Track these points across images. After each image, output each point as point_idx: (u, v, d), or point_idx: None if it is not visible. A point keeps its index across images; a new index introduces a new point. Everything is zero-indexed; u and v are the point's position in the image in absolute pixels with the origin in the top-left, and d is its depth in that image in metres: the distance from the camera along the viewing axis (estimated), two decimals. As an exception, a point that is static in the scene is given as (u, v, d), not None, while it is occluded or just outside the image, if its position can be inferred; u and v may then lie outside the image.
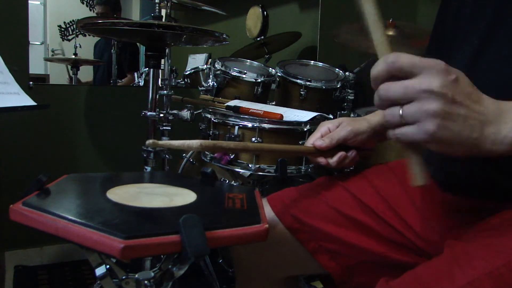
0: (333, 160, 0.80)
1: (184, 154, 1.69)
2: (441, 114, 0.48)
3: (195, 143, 0.63)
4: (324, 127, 0.82)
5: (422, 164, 0.54)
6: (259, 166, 1.18)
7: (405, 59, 0.50)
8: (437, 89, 0.48)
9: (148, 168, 1.30)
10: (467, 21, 0.71)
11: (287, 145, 0.86)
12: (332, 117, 1.33)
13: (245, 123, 1.18)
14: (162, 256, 0.64)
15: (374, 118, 0.83)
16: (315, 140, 0.80)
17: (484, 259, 0.52)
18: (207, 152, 1.27)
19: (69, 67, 2.20)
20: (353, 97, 1.53)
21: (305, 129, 1.19)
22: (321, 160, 0.80)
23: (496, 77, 0.64)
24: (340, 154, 0.80)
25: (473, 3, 0.70)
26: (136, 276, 0.65)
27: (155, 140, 0.65)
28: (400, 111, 0.50)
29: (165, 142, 0.64)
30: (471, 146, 0.50)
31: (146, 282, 0.65)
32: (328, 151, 0.79)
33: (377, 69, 0.52)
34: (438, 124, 0.48)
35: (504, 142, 0.50)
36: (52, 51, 2.21)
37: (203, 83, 1.59)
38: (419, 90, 0.48)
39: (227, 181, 1.40)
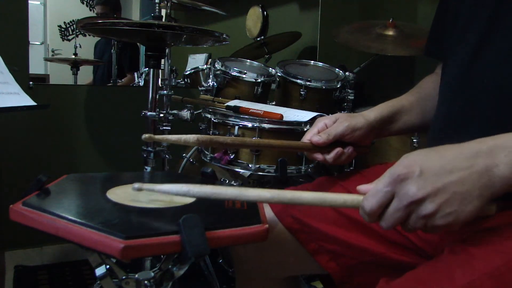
0: (330, 156, 0.79)
1: (184, 154, 1.69)
2: (438, 208, 0.50)
3: (191, 137, 0.62)
4: (321, 122, 0.82)
5: None
6: (259, 166, 1.18)
7: (370, 201, 0.53)
8: (416, 196, 0.50)
9: (148, 168, 1.30)
10: (466, 20, 0.71)
11: (284, 140, 0.85)
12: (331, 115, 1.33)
13: (245, 123, 1.18)
14: (162, 256, 0.64)
15: (371, 113, 0.83)
16: (311, 135, 0.80)
17: (484, 259, 0.52)
18: (207, 152, 1.27)
19: (69, 67, 2.20)
20: (353, 97, 1.53)
21: (305, 129, 1.19)
22: (318, 156, 0.80)
23: (495, 74, 0.64)
24: (337, 150, 0.79)
25: (471, 1, 0.70)
26: (136, 276, 0.65)
27: (151, 134, 0.64)
28: (410, 227, 0.53)
29: (162, 136, 0.64)
30: (482, 199, 0.50)
31: (146, 282, 0.65)
32: (325, 147, 0.79)
33: (366, 219, 0.55)
34: (442, 216, 0.50)
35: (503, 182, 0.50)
36: (52, 51, 2.22)
37: (203, 83, 1.59)
38: (406, 207, 0.51)
39: (227, 181, 1.40)
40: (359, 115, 0.82)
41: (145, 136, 0.65)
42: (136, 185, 0.60)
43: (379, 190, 0.53)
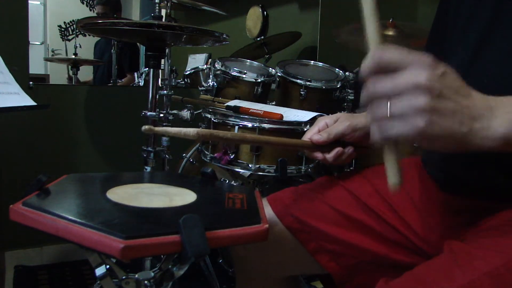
0: (330, 155, 0.79)
1: (184, 154, 1.69)
2: (429, 109, 0.47)
3: (192, 131, 0.62)
4: (321, 122, 0.82)
5: (398, 163, 0.52)
6: (259, 166, 1.18)
7: (391, 53, 0.49)
8: (425, 83, 0.47)
9: (148, 168, 1.30)
10: (466, 19, 0.71)
11: (284, 138, 0.85)
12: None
13: (245, 123, 1.18)
14: (162, 256, 0.64)
15: None
16: (312, 134, 0.80)
17: (483, 259, 0.52)
18: (207, 152, 1.27)
19: (70, 67, 2.20)
20: (353, 97, 1.53)
21: (305, 129, 1.19)
22: (318, 155, 0.80)
23: (495, 75, 0.64)
24: (337, 149, 0.79)
25: (471, 1, 0.70)
26: (136, 276, 0.65)
27: (151, 126, 0.64)
28: (388, 106, 0.49)
29: (162, 128, 0.63)
30: (460, 141, 0.49)
31: (146, 282, 0.65)
32: (325, 146, 0.79)
33: (365, 64, 0.51)
34: (427, 119, 0.47)
35: (494, 137, 0.49)
36: (52, 51, 2.22)
37: (203, 83, 1.59)
38: (406, 84, 0.47)
39: (227, 181, 1.40)
40: (360, 116, 0.82)
41: (145, 127, 0.64)
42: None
43: (401, 51, 0.49)
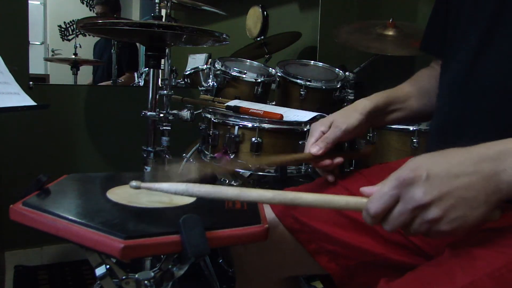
0: (332, 162, 0.80)
1: (184, 154, 1.69)
2: (443, 214, 0.49)
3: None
4: (317, 131, 0.81)
5: None
6: (259, 166, 1.18)
7: (375, 204, 0.53)
8: (422, 200, 0.50)
9: (148, 168, 1.30)
10: (467, 19, 0.70)
11: (285, 155, 0.85)
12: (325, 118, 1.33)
13: (245, 123, 1.18)
14: (162, 256, 0.64)
15: (365, 104, 0.81)
16: (310, 146, 0.79)
17: (485, 260, 0.52)
18: (207, 152, 1.27)
19: (69, 67, 2.20)
20: (353, 97, 1.53)
21: (305, 129, 1.19)
22: (326, 162, 0.80)
23: (496, 74, 0.63)
24: (337, 160, 0.80)
25: (472, 1, 0.70)
26: (136, 276, 0.65)
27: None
28: (413, 231, 0.52)
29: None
30: (490, 204, 0.50)
31: (146, 282, 0.65)
32: (327, 154, 0.79)
33: (369, 222, 0.55)
34: (447, 221, 0.50)
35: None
36: (52, 51, 2.22)
37: (203, 83, 1.59)
38: (411, 211, 0.51)
39: (227, 181, 1.40)
40: (353, 111, 0.81)
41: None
42: (134, 183, 0.57)
43: (384, 193, 0.52)
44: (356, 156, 1.16)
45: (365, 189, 0.56)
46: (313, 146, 0.79)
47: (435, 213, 0.49)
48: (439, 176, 0.50)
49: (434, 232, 0.51)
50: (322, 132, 0.81)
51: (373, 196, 0.54)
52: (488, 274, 0.50)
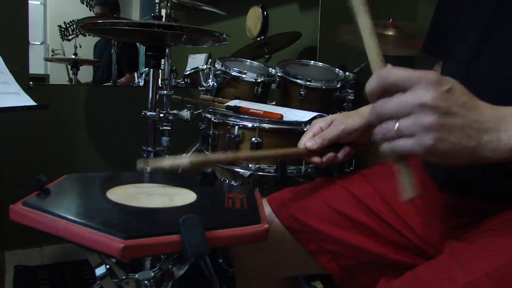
0: (324, 160, 0.80)
1: (184, 154, 1.69)
2: (436, 126, 0.48)
3: (184, 161, 0.63)
4: (316, 126, 0.82)
5: (412, 176, 0.53)
6: (259, 166, 1.18)
7: (396, 73, 0.50)
8: (430, 102, 0.48)
9: (148, 168, 1.30)
10: (467, 19, 0.71)
11: (279, 149, 0.85)
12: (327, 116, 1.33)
13: (245, 123, 1.18)
14: (162, 256, 0.64)
15: (368, 110, 0.82)
16: (306, 140, 0.80)
17: (484, 260, 0.52)
18: (207, 152, 1.27)
19: (69, 67, 2.20)
20: (353, 97, 1.53)
21: (305, 129, 1.19)
22: (316, 159, 0.80)
23: (495, 75, 0.64)
24: (329, 155, 0.80)
25: (471, 1, 0.70)
26: (136, 276, 0.65)
27: (146, 160, 0.66)
28: (396, 125, 0.50)
29: (156, 162, 0.65)
30: (469, 155, 0.50)
31: (146, 282, 0.65)
32: (321, 150, 0.79)
33: (370, 85, 0.52)
34: (435, 137, 0.48)
35: (504, 149, 0.50)
36: (52, 51, 2.22)
37: (203, 83, 1.59)
38: (413, 104, 0.49)
39: (227, 181, 1.40)
40: (355, 114, 0.82)
41: (140, 165, 0.66)
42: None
43: (405, 71, 0.50)
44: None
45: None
46: (309, 140, 0.79)
47: (430, 119, 0.48)
48: (458, 98, 0.49)
49: (418, 141, 0.49)
50: (321, 129, 0.81)
51: (395, 68, 0.51)
52: (488, 274, 0.50)
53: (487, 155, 0.50)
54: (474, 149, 0.49)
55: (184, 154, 1.68)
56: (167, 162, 0.63)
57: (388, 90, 0.51)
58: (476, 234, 0.60)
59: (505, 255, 0.52)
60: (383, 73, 0.51)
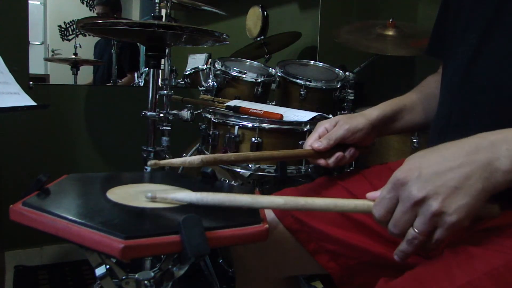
0: (331, 160, 0.80)
1: (184, 154, 1.69)
2: (442, 205, 0.50)
3: (196, 159, 0.64)
4: (321, 127, 0.82)
5: None
6: (259, 166, 1.18)
7: (377, 208, 0.55)
8: (418, 196, 0.50)
9: (148, 168, 1.30)
10: (467, 19, 0.71)
11: (286, 150, 0.86)
12: (332, 117, 1.33)
13: (245, 123, 1.18)
14: (162, 256, 0.64)
15: (373, 112, 0.83)
16: (313, 141, 0.80)
17: (484, 259, 0.52)
18: (207, 152, 1.27)
19: (69, 67, 2.20)
20: (353, 97, 1.53)
21: (305, 129, 1.19)
22: (321, 161, 0.80)
23: (495, 75, 0.64)
24: (337, 155, 0.80)
25: (471, 1, 0.70)
26: (136, 276, 0.65)
27: (157, 161, 0.66)
28: (416, 231, 0.52)
29: (167, 161, 0.65)
30: (489, 190, 0.50)
31: (146, 282, 0.65)
32: (327, 152, 0.79)
33: (378, 220, 0.56)
34: (453, 213, 0.50)
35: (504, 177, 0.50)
36: (52, 51, 2.22)
37: (203, 83, 1.59)
38: (410, 209, 0.52)
39: (227, 181, 1.40)
40: (360, 115, 0.82)
41: (150, 162, 0.67)
42: (150, 194, 0.63)
43: (383, 197, 0.54)
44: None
45: (370, 194, 0.58)
46: (315, 142, 0.79)
47: (434, 205, 0.50)
48: (431, 171, 0.51)
49: (445, 226, 0.51)
50: (326, 130, 0.81)
51: (376, 201, 0.55)
52: (487, 273, 0.50)
53: (503, 170, 0.50)
54: (484, 185, 0.50)
55: (184, 154, 1.68)
56: (178, 161, 0.64)
57: (387, 217, 0.55)
58: (475, 234, 0.59)
59: (504, 255, 0.52)
60: (375, 214, 0.56)
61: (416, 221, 0.52)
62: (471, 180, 0.50)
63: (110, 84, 2.30)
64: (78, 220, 0.54)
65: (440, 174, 0.51)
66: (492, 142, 0.51)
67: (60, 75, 2.24)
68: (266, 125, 1.16)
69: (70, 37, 2.22)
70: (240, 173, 1.30)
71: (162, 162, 0.66)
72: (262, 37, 2.12)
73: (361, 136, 0.81)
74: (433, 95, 0.84)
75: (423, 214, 0.51)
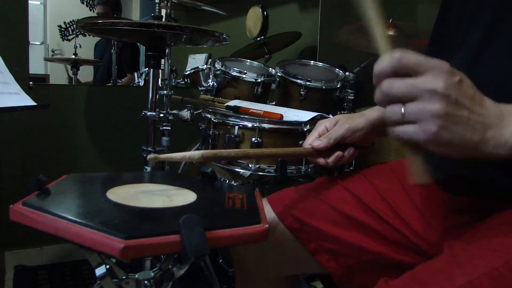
0: (330, 159, 0.80)
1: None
2: (443, 115, 0.48)
3: (196, 154, 0.63)
4: (321, 126, 0.82)
5: (422, 162, 0.53)
6: (259, 166, 1.18)
7: (410, 57, 0.50)
8: (441, 90, 0.48)
9: (148, 168, 1.30)
10: (468, 20, 0.71)
11: (286, 148, 0.86)
12: (331, 117, 1.33)
13: (245, 123, 1.18)
14: (162, 256, 0.64)
15: (373, 113, 0.83)
16: (312, 140, 0.80)
17: (483, 259, 0.52)
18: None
19: (69, 67, 2.20)
20: (353, 97, 1.53)
21: (305, 129, 1.19)
22: (320, 160, 0.80)
23: (496, 77, 0.64)
24: (337, 154, 0.80)
25: (473, 2, 0.70)
26: (136, 276, 0.65)
27: (156, 155, 0.66)
28: (402, 109, 0.50)
29: (167, 155, 0.65)
30: (471, 149, 0.50)
31: (146, 282, 0.65)
32: (327, 151, 0.79)
33: (382, 64, 0.52)
34: (440, 125, 0.48)
35: (506, 146, 0.50)
36: (52, 51, 2.21)
37: (203, 83, 1.59)
38: (423, 89, 0.48)
39: (227, 181, 1.40)
40: (360, 115, 0.82)
41: (150, 157, 0.66)
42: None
43: (419, 56, 0.50)
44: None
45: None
46: (315, 140, 0.79)
47: (439, 107, 0.48)
48: (468, 90, 0.50)
49: (422, 128, 0.48)
50: (326, 129, 0.81)
51: (412, 52, 0.50)
52: (487, 273, 0.50)
53: (488, 150, 0.50)
54: (477, 144, 0.50)
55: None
56: (178, 155, 0.64)
57: (398, 73, 0.50)
58: (475, 234, 0.60)
59: (504, 255, 0.52)
60: (397, 54, 0.50)
61: (411, 103, 0.49)
62: (483, 124, 0.49)
63: (110, 84, 2.29)
64: (78, 220, 0.54)
65: (471, 98, 0.49)
66: None
67: (60, 75, 2.24)
68: (266, 125, 1.16)
69: (70, 37, 2.22)
70: (240, 173, 1.30)
71: (162, 156, 0.66)
72: (262, 37, 2.12)
73: (361, 136, 0.81)
74: None
75: (423, 104, 0.48)
